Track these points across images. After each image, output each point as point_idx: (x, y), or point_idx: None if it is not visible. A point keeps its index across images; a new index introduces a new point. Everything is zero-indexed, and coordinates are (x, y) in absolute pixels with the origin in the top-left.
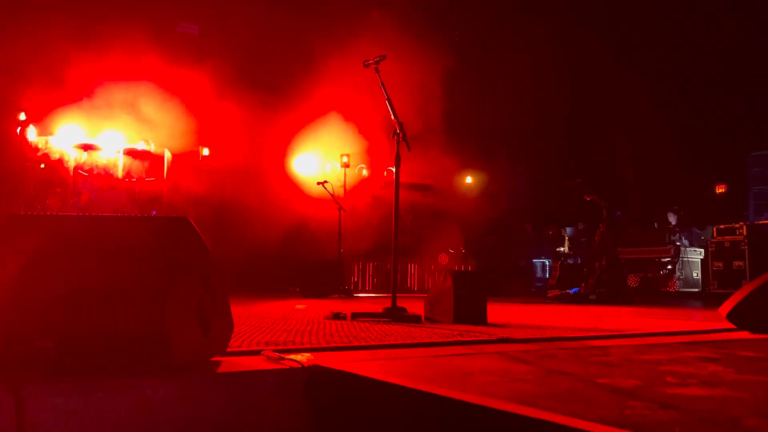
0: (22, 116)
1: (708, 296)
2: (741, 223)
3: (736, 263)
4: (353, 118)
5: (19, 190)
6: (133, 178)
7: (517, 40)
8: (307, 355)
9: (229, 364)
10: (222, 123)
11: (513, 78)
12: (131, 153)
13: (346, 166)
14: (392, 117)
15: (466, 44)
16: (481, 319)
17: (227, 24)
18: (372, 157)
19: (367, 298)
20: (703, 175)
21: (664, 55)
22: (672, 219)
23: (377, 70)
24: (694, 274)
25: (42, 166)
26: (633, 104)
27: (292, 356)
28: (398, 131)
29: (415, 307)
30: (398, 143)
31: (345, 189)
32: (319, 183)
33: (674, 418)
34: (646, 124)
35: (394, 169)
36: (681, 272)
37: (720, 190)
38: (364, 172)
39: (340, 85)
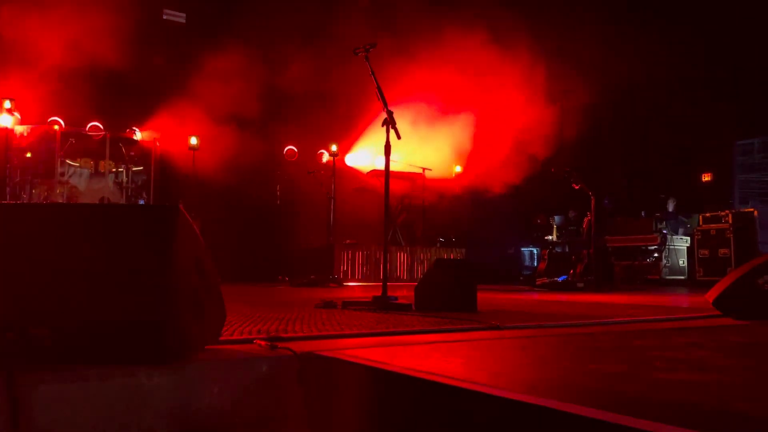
0: (8, 104)
1: (694, 283)
2: (727, 211)
3: (722, 251)
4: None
5: (5, 179)
6: (121, 166)
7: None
8: (300, 342)
9: (222, 353)
10: (212, 111)
11: (498, 64)
12: (119, 141)
13: (336, 155)
14: (382, 105)
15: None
16: (470, 306)
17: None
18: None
19: (356, 287)
20: (690, 163)
21: (651, 42)
22: (670, 206)
23: (367, 59)
24: (681, 262)
25: (28, 155)
26: (620, 92)
27: (285, 344)
28: (388, 119)
29: (405, 295)
30: (388, 131)
31: (334, 178)
32: (309, 172)
33: (665, 402)
34: (633, 112)
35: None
36: (667, 260)
37: (706, 178)
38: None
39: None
